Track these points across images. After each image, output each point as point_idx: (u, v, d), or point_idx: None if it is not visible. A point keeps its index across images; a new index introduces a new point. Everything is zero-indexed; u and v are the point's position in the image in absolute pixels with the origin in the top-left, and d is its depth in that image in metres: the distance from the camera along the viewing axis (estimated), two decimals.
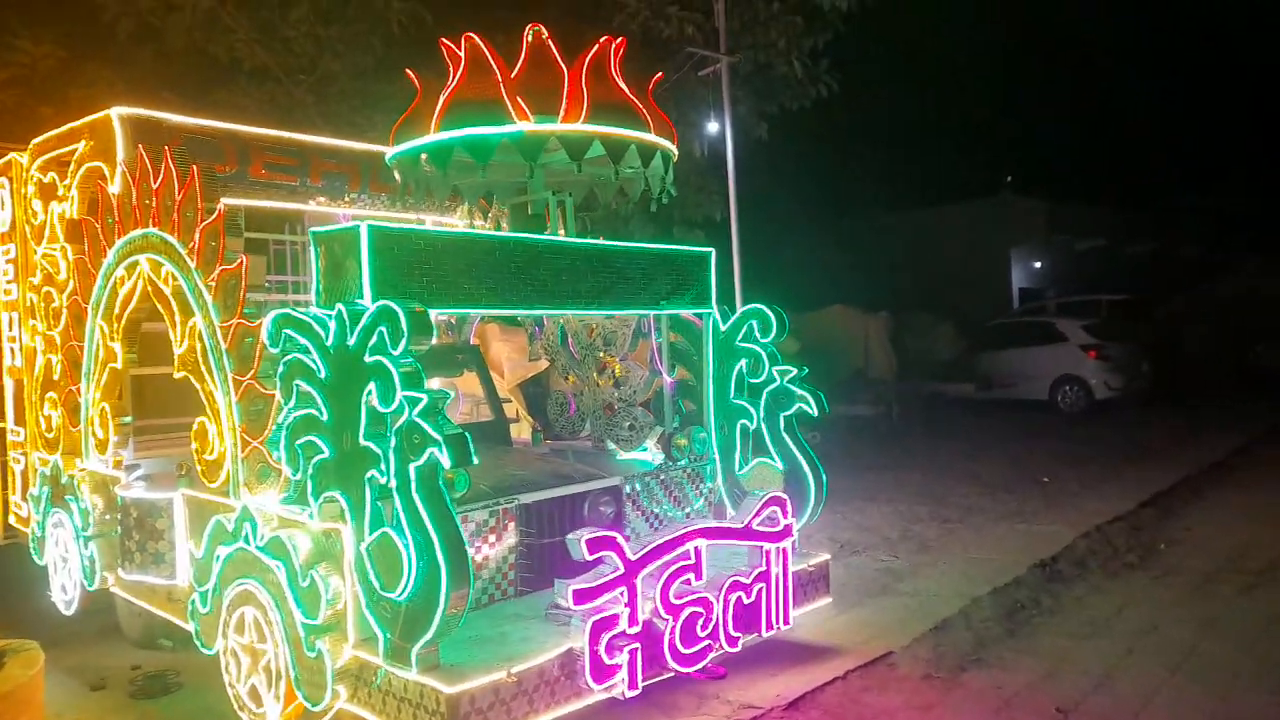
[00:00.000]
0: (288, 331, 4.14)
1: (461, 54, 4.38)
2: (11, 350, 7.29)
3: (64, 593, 6.38)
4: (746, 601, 4.58)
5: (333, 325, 3.94)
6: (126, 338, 5.68)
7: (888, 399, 14.22)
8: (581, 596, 3.80)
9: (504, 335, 8.03)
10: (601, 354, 6.27)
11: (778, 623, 4.76)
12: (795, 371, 5.37)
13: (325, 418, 3.99)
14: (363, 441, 3.80)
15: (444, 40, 4.38)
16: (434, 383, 7.33)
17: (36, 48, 7.66)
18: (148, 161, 5.22)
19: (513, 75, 4.48)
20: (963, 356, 17.27)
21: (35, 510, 6.72)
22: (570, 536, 3.91)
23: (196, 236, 4.85)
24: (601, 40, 4.64)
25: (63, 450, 6.37)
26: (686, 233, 12.01)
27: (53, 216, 6.48)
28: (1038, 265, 26.72)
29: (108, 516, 5.75)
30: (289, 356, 4.15)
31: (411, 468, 3.59)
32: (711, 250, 5.62)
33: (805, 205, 19.03)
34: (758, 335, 5.45)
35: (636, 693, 4.01)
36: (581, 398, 6.44)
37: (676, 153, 5.05)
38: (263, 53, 7.82)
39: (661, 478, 5.42)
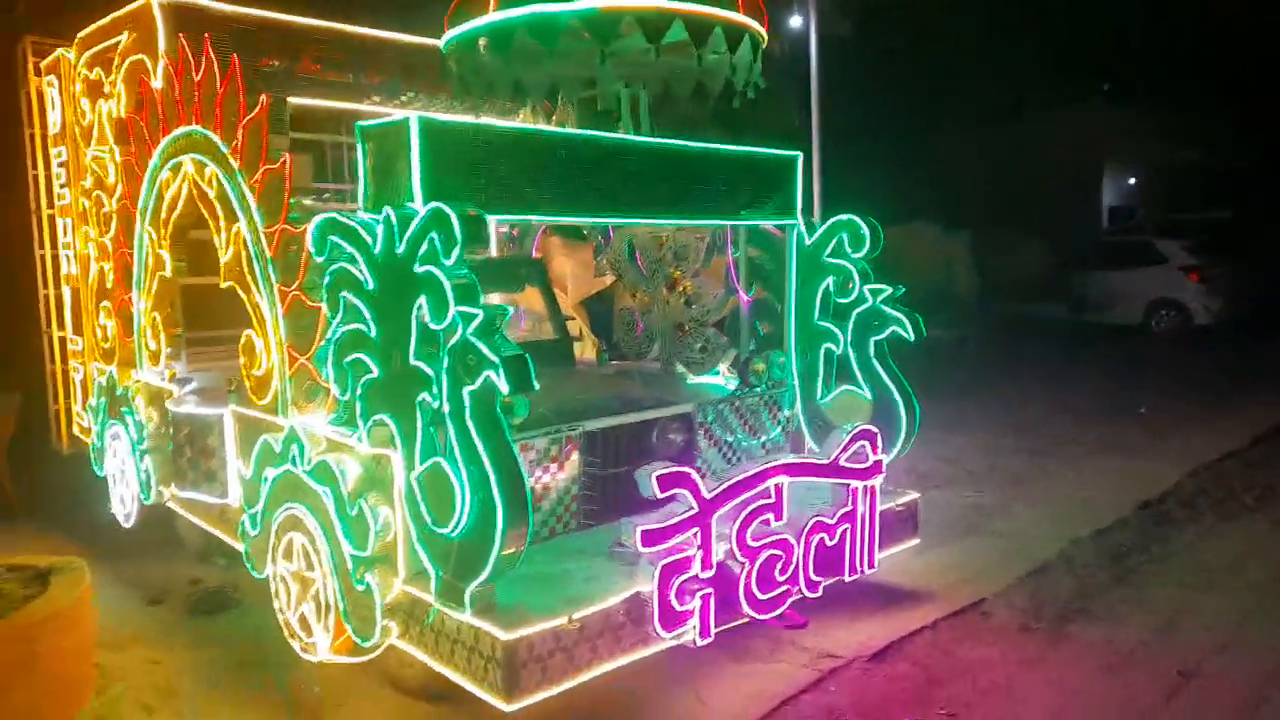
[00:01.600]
0: (333, 238, 3.76)
1: None
2: (67, 258, 7.12)
3: (123, 505, 6.30)
4: (829, 544, 4.18)
5: (380, 231, 3.54)
6: (174, 245, 5.39)
7: (971, 320, 13.43)
8: (651, 538, 3.43)
9: (567, 248, 7.58)
10: (672, 269, 5.80)
11: (862, 566, 4.36)
12: (890, 290, 4.83)
13: (373, 334, 3.63)
14: (413, 361, 3.44)
15: None
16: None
17: None
18: (189, 53, 4.83)
19: None
20: (1051, 277, 16.24)
21: (94, 421, 6.61)
22: (640, 471, 3.52)
23: (239, 134, 4.47)
24: None
25: (118, 361, 6.19)
26: (761, 142, 11.23)
27: (100, 115, 6.16)
28: (1131, 181, 25.05)
29: (161, 430, 5.56)
30: (335, 266, 3.77)
31: (465, 391, 3.22)
32: (799, 154, 5.05)
33: (884, 115, 17.84)
34: (848, 250, 4.90)
35: (709, 640, 3.67)
36: (650, 316, 6.00)
37: (767, 38, 4.46)
38: None
39: (736, 405, 4.98)
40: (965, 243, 14.45)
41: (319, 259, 3.84)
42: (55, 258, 7.32)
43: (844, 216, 4.94)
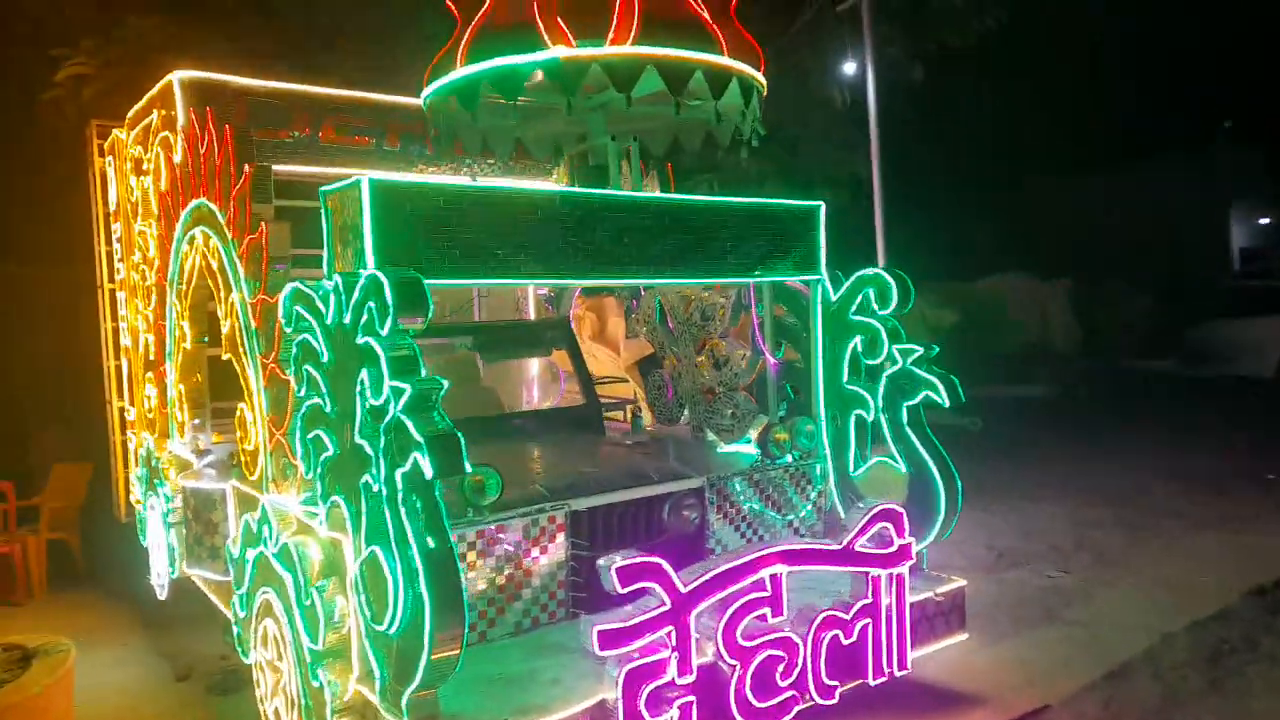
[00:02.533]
0: (297, 308, 3.58)
1: None
2: (123, 330, 7.30)
3: (158, 577, 6.26)
4: (846, 642, 3.65)
5: (331, 300, 3.33)
6: (193, 317, 5.38)
7: (1069, 377, 12.43)
8: (610, 640, 3.02)
9: (621, 309, 7.33)
10: (700, 330, 5.43)
11: (890, 667, 3.80)
12: (921, 351, 4.32)
13: (328, 408, 3.39)
14: (357, 439, 3.17)
15: None
16: (520, 363, 6.74)
17: (145, 20, 7.61)
18: (197, 127, 4.83)
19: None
20: (1161, 328, 14.97)
21: (139, 491, 6.66)
22: (601, 562, 3.13)
23: (231, 204, 4.40)
24: None
25: (157, 432, 6.22)
26: (829, 192, 10.83)
27: (142, 191, 6.31)
28: (1264, 221, 23.19)
29: (179, 504, 5.50)
30: (299, 337, 3.58)
31: (398, 474, 2.92)
32: (819, 204, 4.63)
33: (971, 160, 17.02)
34: (875, 306, 4.43)
35: None
36: (680, 380, 5.63)
37: (763, 81, 4.11)
38: (360, 14, 7.46)
39: (756, 478, 4.53)
40: (1064, 293, 13.48)
41: (288, 329, 3.66)
42: (116, 330, 7.53)
43: (869, 270, 4.49)
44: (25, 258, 10.13)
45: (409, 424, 2.84)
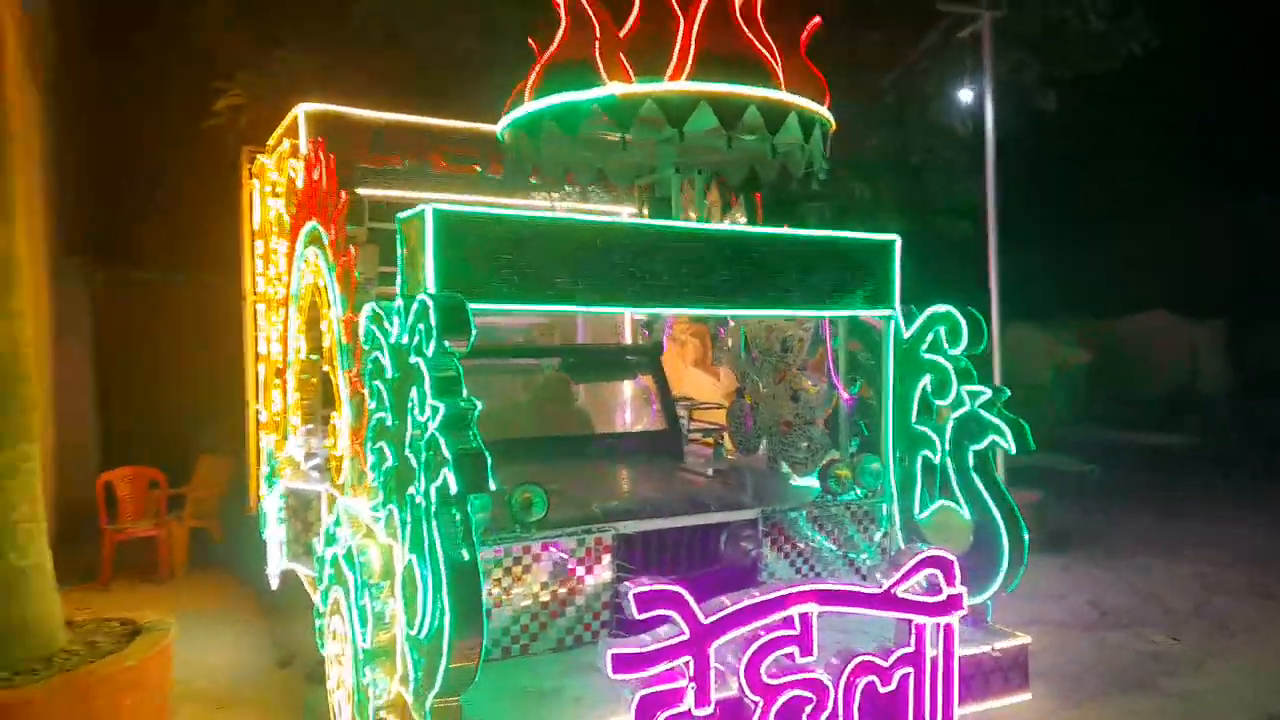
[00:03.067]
0: (372, 327, 3.85)
1: (563, 10, 3.80)
2: (261, 338, 7.95)
3: (272, 568, 6.76)
4: (884, 690, 3.56)
5: (396, 321, 3.57)
6: (307, 331, 5.81)
7: (1219, 425, 11.46)
8: (623, 664, 3.07)
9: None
10: (779, 361, 5.41)
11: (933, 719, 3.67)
12: (989, 394, 4.17)
13: (391, 422, 3.63)
14: (407, 452, 3.39)
15: None
16: (604, 385, 6.87)
17: (295, 56, 8.32)
18: (313, 155, 5.26)
19: (622, 32, 3.82)
20: None
21: (265, 487, 7.22)
22: (625, 585, 3.20)
23: (333, 227, 4.77)
24: None
25: (279, 434, 6.74)
26: (951, 223, 10.51)
27: (277, 212, 6.88)
28: None
29: (285, 501, 5.94)
30: (372, 354, 3.85)
31: (432, 488, 3.10)
32: (895, 238, 4.55)
33: (1113, 191, 15.93)
34: (945, 345, 4.31)
35: None
36: (759, 411, 5.62)
37: (827, 116, 4.10)
38: (484, 47, 7.88)
39: (816, 514, 4.48)
40: (1217, 333, 12.45)
41: (366, 346, 3.94)
42: (256, 338, 8.20)
43: (941, 308, 4.37)
44: (192, 268, 11.20)
45: (442, 441, 3.02)
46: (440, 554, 3.03)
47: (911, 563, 3.65)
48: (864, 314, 4.62)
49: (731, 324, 5.90)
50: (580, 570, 3.90)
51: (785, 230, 4.33)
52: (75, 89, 10.73)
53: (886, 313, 4.57)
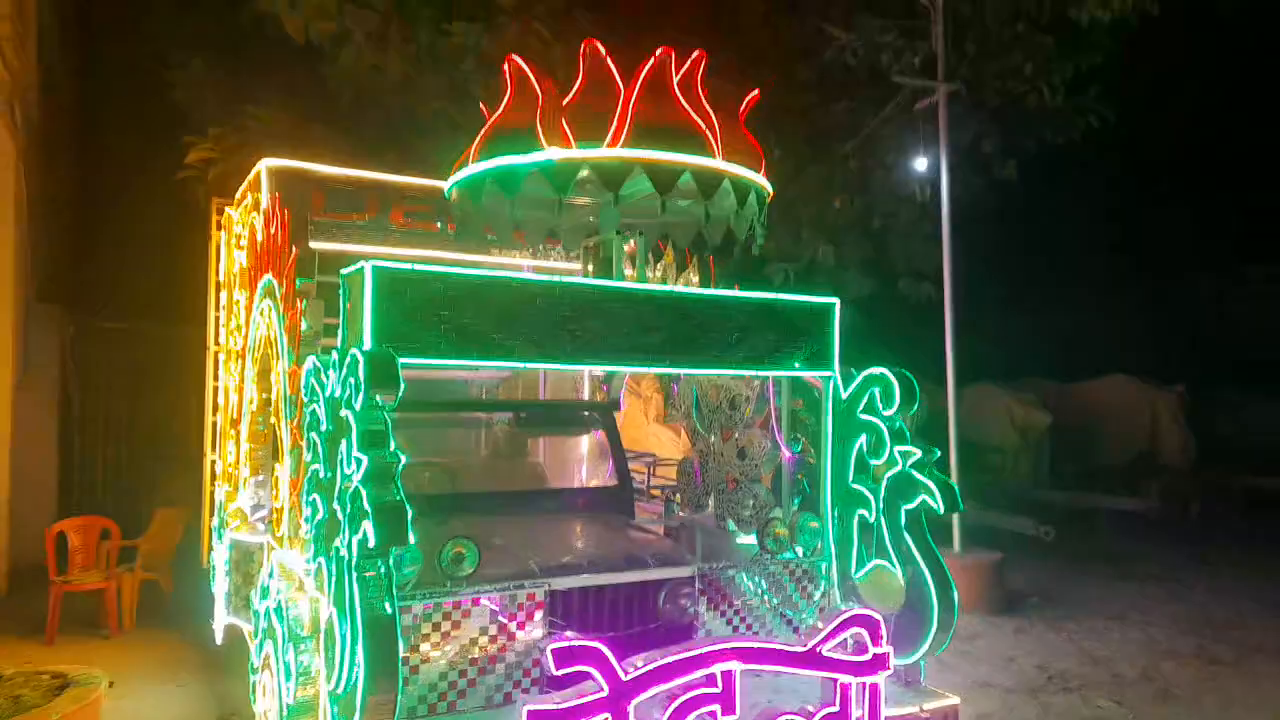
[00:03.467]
0: (312, 380, 3.91)
1: (509, 79, 3.94)
2: (220, 389, 7.96)
3: (217, 622, 6.68)
4: None
5: (333, 374, 3.63)
6: (260, 383, 5.85)
7: (1179, 491, 11.59)
8: None
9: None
10: (726, 419, 5.48)
11: None
12: (919, 454, 4.25)
13: (324, 474, 3.66)
14: (334, 505, 3.41)
15: (509, 58, 3.96)
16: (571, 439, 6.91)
17: (266, 112, 8.50)
18: (271, 209, 5.36)
19: (566, 100, 3.96)
20: None
21: (215, 539, 7.16)
22: (545, 639, 3.21)
23: (284, 280, 4.84)
24: (663, 53, 3.96)
25: (231, 485, 6.72)
26: (913, 285, 10.69)
27: (240, 264, 6.96)
28: None
29: (229, 554, 5.91)
30: (310, 406, 3.90)
31: (354, 540, 3.13)
32: (834, 301, 4.67)
33: (1075, 258, 16.29)
34: (880, 406, 4.40)
35: None
36: (707, 468, 5.67)
37: (763, 184, 4.23)
38: (457, 113, 8.08)
39: (754, 572, 4.51)
40: (1177, 400, 12.64)
41: (305, 398, 3.99)
42: (216, 389, 8.21)
43: (876, 370, 4.47)
44: (162, 318, 11.23)
45: (363, 493, 3.05)
46: (358, 608, 3.05)
47: (836, 622, 3.68)
48: (804, 374, 4.71)
49: (683, 381, 5.98)
50: (512, 626, 3.90)
51: (724, 292, 4.44)
52: (53, 138, 10.87)
53: (825, 374, 4.67)
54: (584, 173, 3.81)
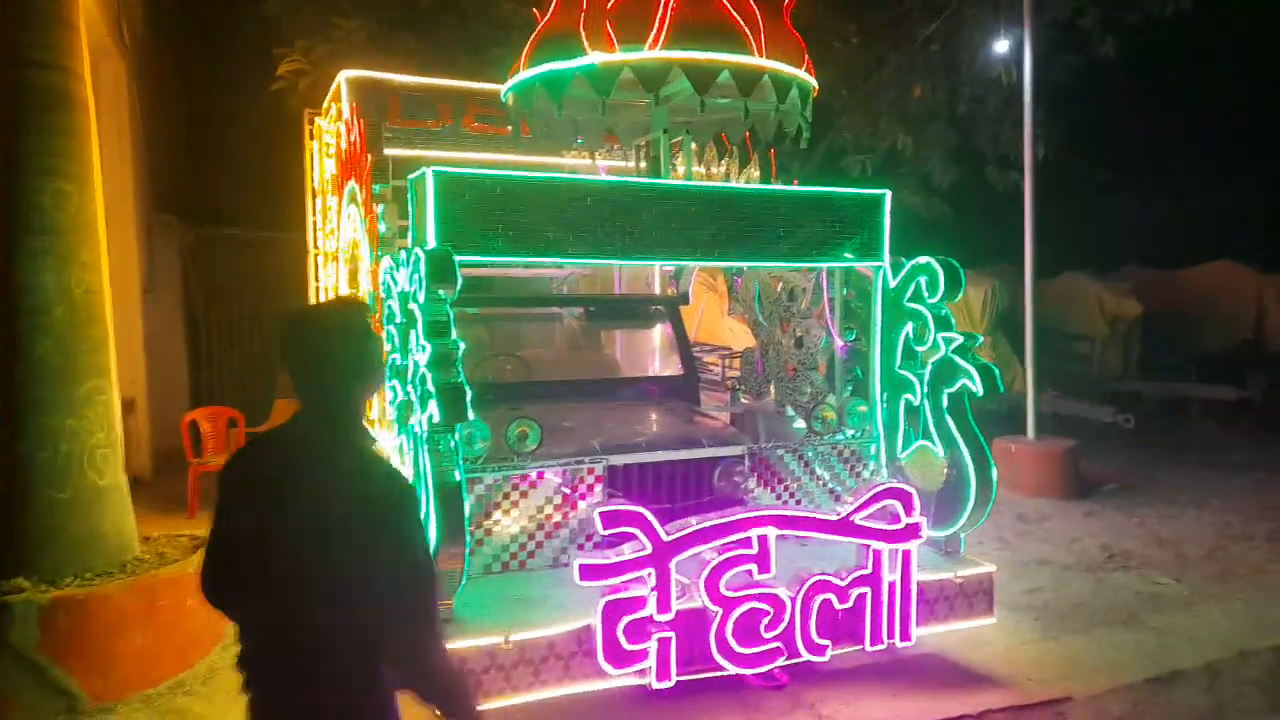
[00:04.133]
0: (387, 277, 4.30)
1: None
2: (321, 290, 8.55)
3: None
4: (840, 607, 3.90)
5: (403, 271, 4.00)
6: (350, 282, 6.32)
7: (1270, 378, 11.13)
8: (591, 573, 3.48)
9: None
10: (785, 310, 5.69)
11: (890, 637, 4.00)
12: (962, 340, 4.38)
13: (399, 361, 4.08)
14: (407, 388, 3.83)
15: None
16: (618, 333, 7.22)
17: (349, 21, 8.79)
18: (351, 119, 5.71)
19: (611, 3, 4.11)
20: None
21: None
22: (597, 505, 3.60)
23: (363, 186, 5.22)
24: None
25: None
26: (1001, 174, 10.36)
27: (331, 173, 7.40)
28: None
29: None
30: (387, 300, 4.30)
31: (424, 418, 3.54)
32: (884, 192, 4.76)
33: (1180, 143, 15.18)
34: (925, 294, 4.53)
35: (669, 684, 3.62)
36: (768, 357, 5.92)
37: (807, 78, 4.31)
38: (529, 13, 8.15)
39: (803, 452, 4.79)
40: None
41: (383, 294, 4.40)
42: (319, 290, 8.82)
43: (922, 259, 4.58)
44: (267, 224, 11.94)
45: (429, 377, 3.44)
46: (430, 476, 3.48)
47: (870, 494, 3.95)
48: (854, 264, 4.86)
49: (745, 275, 6.18)
50: (575, 497, 4.31)
51: (772, 186, 4.60)
52: (158, 56, 11.46)
53: (876, 263, 4.80)
54: (626, 74, 3.98)
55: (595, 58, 3.94)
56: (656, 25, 3.93)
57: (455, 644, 3.44)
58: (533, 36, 4.21)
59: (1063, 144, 10.79)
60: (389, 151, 6.39)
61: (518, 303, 6.54)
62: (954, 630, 4.34)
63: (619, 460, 4.40)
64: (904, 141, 10.19)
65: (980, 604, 4.37)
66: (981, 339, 4.48)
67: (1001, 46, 8.81)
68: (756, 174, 5.92)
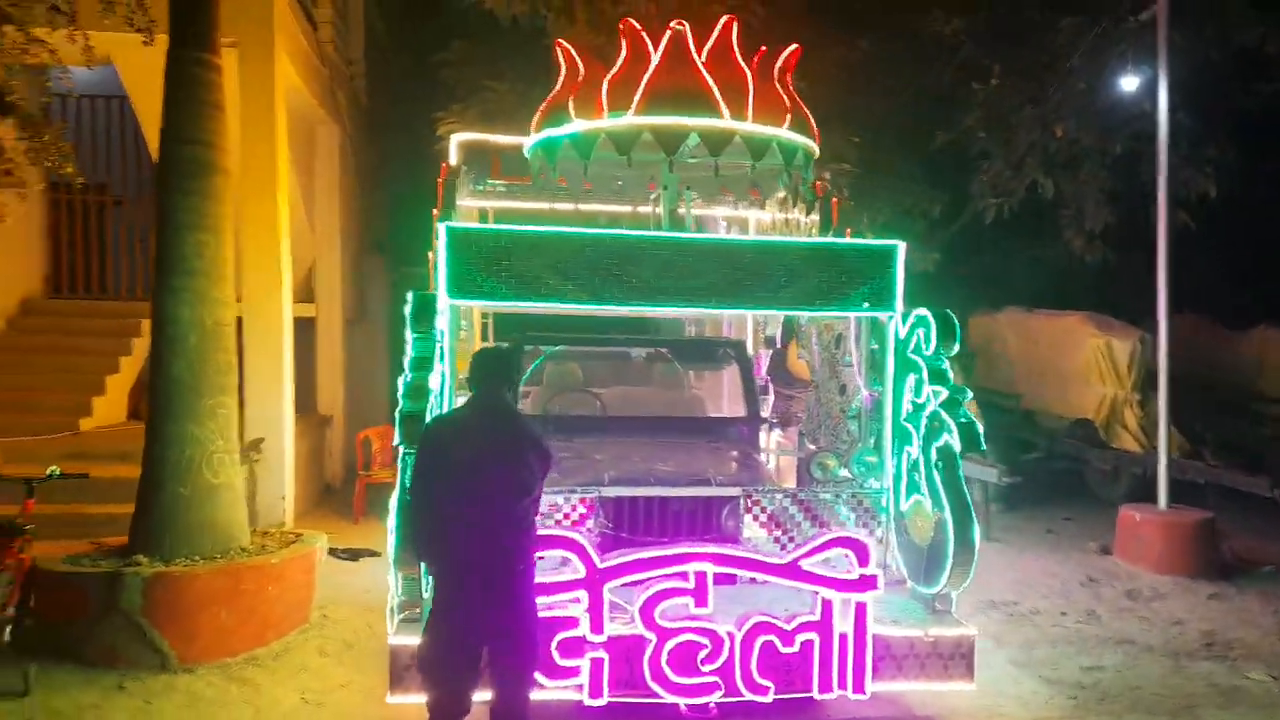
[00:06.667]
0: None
1: (562, 61, 4.59)
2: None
3: None
4: (784, 650, 3.96)
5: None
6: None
7: None
8: None
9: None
10: (831, 356, 5.74)
11: (842, 688, 4.00)
12: (949, 393, 4.30)
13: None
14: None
15: (558, 43, 4.63)
16: (689, 374, 7.43)
17: (501, 85, 9.74)
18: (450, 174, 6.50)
19: (610, 74, 4.52)
20: None
21: None
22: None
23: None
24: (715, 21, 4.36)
25: None
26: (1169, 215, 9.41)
27: None
28: None
29: None
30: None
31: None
32: (895, 244, 4.75)
33: None
34: (923, 346, 4.49)
35: (600, 702, 3.88)
36: (821, 403, 5.97)
37: (792, 137, 4.45)
38: None
39: (803, 498, 4.84)
40: None
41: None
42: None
43: (923, 310, 4.54)
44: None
45: (400, 402, 3.98)
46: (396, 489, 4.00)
47: (820, 540, 4.01)
48: (863, 314, 4.88)
49: (807, 326, 6.26)
50: (566, 524, 4.66)
51: (772, 238, 4.77)
52: (368, 121, 13.20)
53: (888, 313, 4.80)
54: (601, 140, 4.36)
55: (577, 126, 4.36)
56: (640, 94, 4.29)
57: (402, 640, 3.92)
58: (540, 107, 4.71)
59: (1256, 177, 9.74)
60: (487, 203, 7.16)
61: (589, 340, 6.93)
62: (924, 690, 4.23)
63: (611, 493, 4.70)
64: (1045, 184, 9.64)
65: (957, 667, 4.21)
66: (970, 394, 4.35)
67: (1131, 84, 8.19)
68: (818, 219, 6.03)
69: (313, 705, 4.75)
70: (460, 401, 7.08)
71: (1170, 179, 7.88)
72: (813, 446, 6.13)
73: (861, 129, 9.58)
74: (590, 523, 4.68)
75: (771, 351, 6.90)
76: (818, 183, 6.19)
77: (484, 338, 7.36)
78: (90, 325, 9.30)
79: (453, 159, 6.95)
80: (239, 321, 8.68)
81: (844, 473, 5.02)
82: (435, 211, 6.23)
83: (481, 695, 3.56)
